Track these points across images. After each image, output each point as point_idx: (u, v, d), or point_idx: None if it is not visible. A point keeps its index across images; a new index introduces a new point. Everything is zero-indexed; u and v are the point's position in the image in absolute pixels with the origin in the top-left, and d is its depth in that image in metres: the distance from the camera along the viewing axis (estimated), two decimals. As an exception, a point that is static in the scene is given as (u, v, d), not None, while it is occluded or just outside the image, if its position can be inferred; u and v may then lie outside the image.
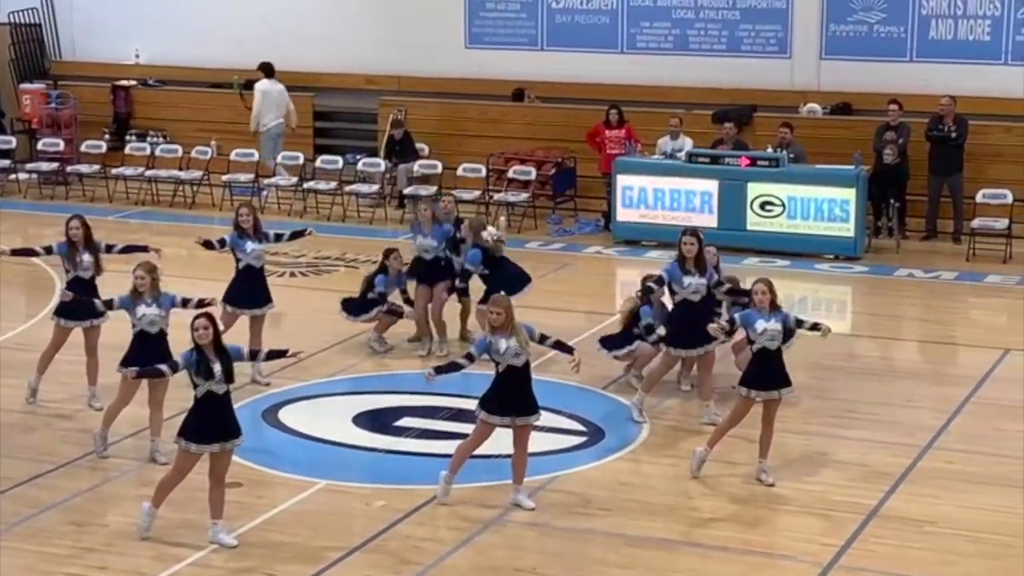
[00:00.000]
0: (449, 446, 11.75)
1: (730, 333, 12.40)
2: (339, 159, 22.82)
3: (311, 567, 10.28)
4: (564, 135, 22.19)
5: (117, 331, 12.71)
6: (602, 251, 20.08)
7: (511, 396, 11.05)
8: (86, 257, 13.31)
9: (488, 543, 10.74)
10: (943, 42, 21.52)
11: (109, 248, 13.64)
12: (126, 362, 12.00)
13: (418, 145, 22.65)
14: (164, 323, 12.09)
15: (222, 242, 14.17)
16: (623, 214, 20.32)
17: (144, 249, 13.89)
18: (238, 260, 14.15)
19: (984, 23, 21.32)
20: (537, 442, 11.55)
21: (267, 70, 23.12)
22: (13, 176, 23.99)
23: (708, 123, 21.37)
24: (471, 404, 11.45)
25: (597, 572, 10.34)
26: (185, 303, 12.19)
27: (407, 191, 21.98)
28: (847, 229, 19.32)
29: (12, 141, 24.40)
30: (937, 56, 21.49)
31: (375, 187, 22.36)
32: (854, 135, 20.66)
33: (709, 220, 19.30)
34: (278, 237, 14.58)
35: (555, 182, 21.86)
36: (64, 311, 13.36)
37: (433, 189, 21.80)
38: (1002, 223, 19.48)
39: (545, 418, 11.66)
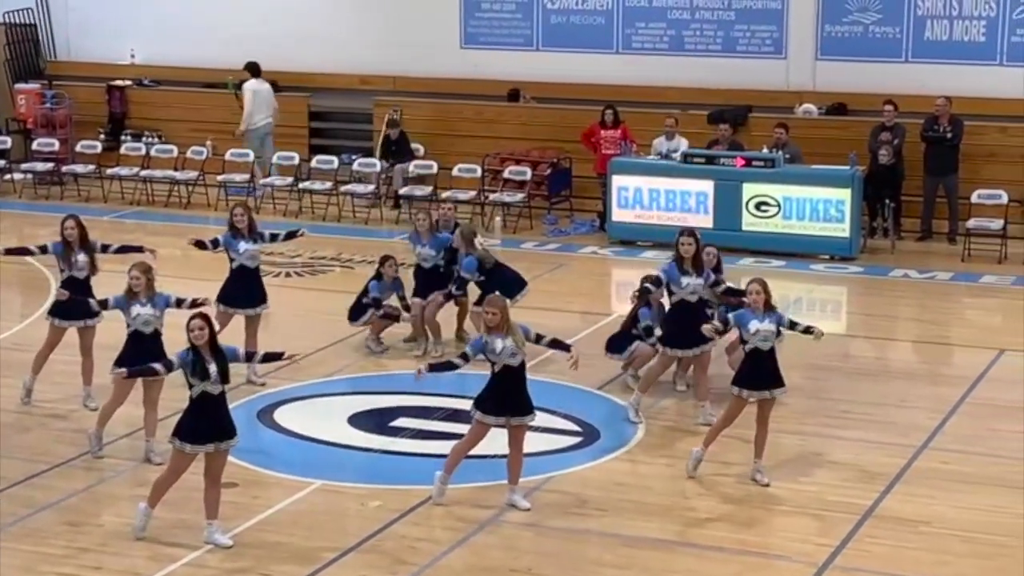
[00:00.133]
0: (445, 446, 11.75)
1: (723, 333, 12.41)
2: (334, 159, 22.81)
3: (306, 567, 10.28)
4: (560, 135, 22.19)
5: (112, 331, 12.71)
6: (598, 251, 20.08)
7: (506, 396, 11.05)
8: (81, 257, 13.30)
9: (484, 543, 10.74)
10: (938, 43, 21.54)
11: (105, 248, 13.64)
12: (120, 362, 11.98)
13: (413, 145, 22.65)
14: (159, 323, 12.09)
15: (215, 242, 14.17)
16: (619, 214, 20.32)
17: (139, 250, 13.88)
18: (232, 260, 14.15)
19: (979, 24, 21.34)
20: (533, 442, 11.55)
21: (254, 69, 23.16)
22: (8, 176, 23.95)
23: (704, 123, 21.37)
24: (467, 404, 11.44)
25: (593, 572, 10.34)
26: (179, 303, 12.19)
27: (402, 191, 21.98)
28: (842, 229, 19.33)
29: (7, 141, 24.38)
30: (932, 57, 21.51)
31: (371, 187, 22.35)
32: (849, 135, 20.66)
33: (704, 220, 19.30)
34: (273, 237, 14.57)
35: (551, 182, 21.86)
36: (58, 311, 13.35)
37: (428, 189, 21.81)
38: (997, 223, 19.50)
39: (541, 418, 11.68)
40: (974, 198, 19.85)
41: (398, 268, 15.31)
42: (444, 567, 10.36)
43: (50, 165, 23.99)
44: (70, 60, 26.25)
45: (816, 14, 22.00)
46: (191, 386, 10.46)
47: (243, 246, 14.03)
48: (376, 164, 22.46)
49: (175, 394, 11.39)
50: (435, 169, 22.09)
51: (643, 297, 13.56)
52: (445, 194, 21.36)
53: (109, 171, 23.43)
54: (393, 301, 15.27)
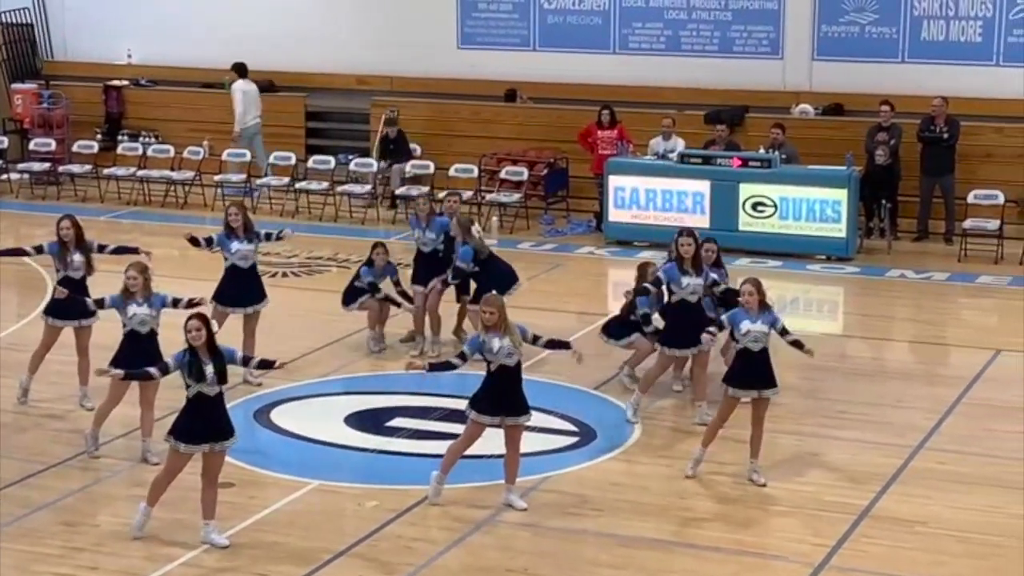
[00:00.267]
0: (441, 446, 11.75)
1: (721, 329, 12.39)
2: (331, 159, 22.81)
3: (303, 567, 10.28)
4: (556, 136, 22.20)
5: (108, 331, 12.70)
6: (594, 252, 20.08)
7: (502, 396, 11.06)
8: (76, 257, 13.29)
9: (480, 543, 10.74)
10: (935, 43, 21.55)
11: (101, 248, 13.64)
12: (116, 362, 11.98)
13: (411, 145, 22.64)
14: (155, 323, 12.09)
15: (209, 240, 14.19)
16: (615, 215, 20.33)
17: (135, 251, 13.87)
18: (225, 259, 14.18)
19: (976, 24, 21.35)
20: (529, 442, 11.55)
21: (241, 70, 23.24)
22: (5, 176, 23.92)
23: (700, 124, 21.37)
24: (463, 404, 11.43)
25: (589, 572, 10.34)
26: (176, 303, 12.19)
27: (399, 191, 21.97)
28: (839, 230, 19.34)
29: (4, 141, 24.35)
30: (929, 57, 21.52)
31: (367, 187, 22.35)
32: (846, 136, 20.68)
33: (701, 221, 19.30)
34: (268, 236, 14.57)
35: (547, 183, 21.86)
36: (54, 310, 13.35)
37: (425, 190, 21.77)
38: (993, 224, 19.50)
39: (537, 418, 11.68)
40: (970, 198, 19.86)
41: (389, 254, 15.27)
42: (440, 567, 10.36)
43: (47, 165, 23.97)
44: (67, 60, 26.23)
45: (812, 14, 22.01)
46: (188, 386, 10.47)
47: (235, 246, 14.05)
48: (373, 164, 22.46)
49: (172, 394, 11.38)
50: (432, 169, 22.09)
51: (642, 292, 13.49)
52: (442, 195, 21.33)
53: (106, 171, 23.41)
54: (387, 286, 15.22)
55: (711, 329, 11.98)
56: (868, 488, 11.68)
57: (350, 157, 22.88)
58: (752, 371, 11.57)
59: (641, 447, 12.67)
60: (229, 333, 13.31)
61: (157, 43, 25.18)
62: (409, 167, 22.24)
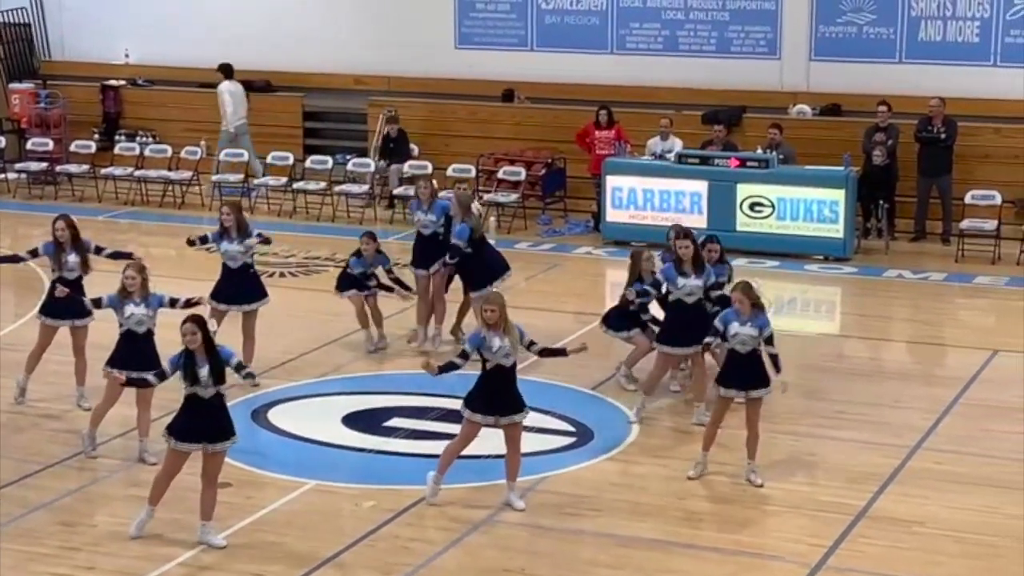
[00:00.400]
0: (438, 447, 11.75)
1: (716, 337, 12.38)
2: (328, 159, 22.81)
3: (300, 567, 10.28)
4: (554, 136, 22.20)
5: (105, 331, 12.69)
6: (592, 252, 20.08)
7: (496, 395, 11.06)
8: (71, 258, 13.27)
9: (477, 543, 10.74)
10: (932, 43, 21.55)
11: (99, 250, 13.62)
12: (112, 362, 12.01)
13: (410, 145, 22.65)
14: (151, 323, 12.09)
15: (203, 239, 14.24)
16: (613, 215, 20.33)
17: (130, 256, 13.85)
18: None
19: (973, 24, 21.35)
20: (526, 442, 11.54)
21: (227, 71, 23.28)
22: (2, 176, 23.93)
23: (698, 124, 21.38)
24: (460, 404, 11.42)
25: (587, 573, 10.35)
26: (173, 303, 12.20)
27: (397, 191, 21.97)
28: (836, 230, 19.35)
29: (1, 141, 24.32)
30: (926, 57, 21.52)
31: (365, 187, 22.35)
32: (843, 136, 20.68)
33: (699, 221, 19.30)
34: (258, 236, 14.55)
35: (545, 183, 21.86)
36: (49, 310, 13.35)
37: (428, 171, 21.73)
38: (991, 224, 19.51)
39: (534, 418, 11.68)
40: (968, 199, 19.87)
41: (377, 242, 15.23)
42: (437, 567, 10.36)
43: (44, 165, 23.96)
44: (64, 60, 26.21)
45: (810, 15, 22.01)
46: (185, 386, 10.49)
47: (224, 246, 14.09)
48: (370, 164, 22.45)
49: (169, 394, 11.38)
50: (429, 169, 22.04)
51: (641, 297, 13.44)
52: (443, 193, 21.32)
53: (103, 171, 23.41)
54: (380, 274, 15.19)
55: (707, 340, 11.99)
56: (865, 488, 11.68)
57: (348, 157, 22.88)
58: (741, 371, 11.61)
59: (639, 447, 12.67)
60: (229, 333, 13.29)
61: (155, 43, 25.17)
62: (407, 167, 22.24)
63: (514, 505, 11.22)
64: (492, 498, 11.37)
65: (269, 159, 22.96)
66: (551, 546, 10.72)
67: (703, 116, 21.51)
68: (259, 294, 14.32)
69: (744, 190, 19.63)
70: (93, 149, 24.02)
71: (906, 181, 20.22)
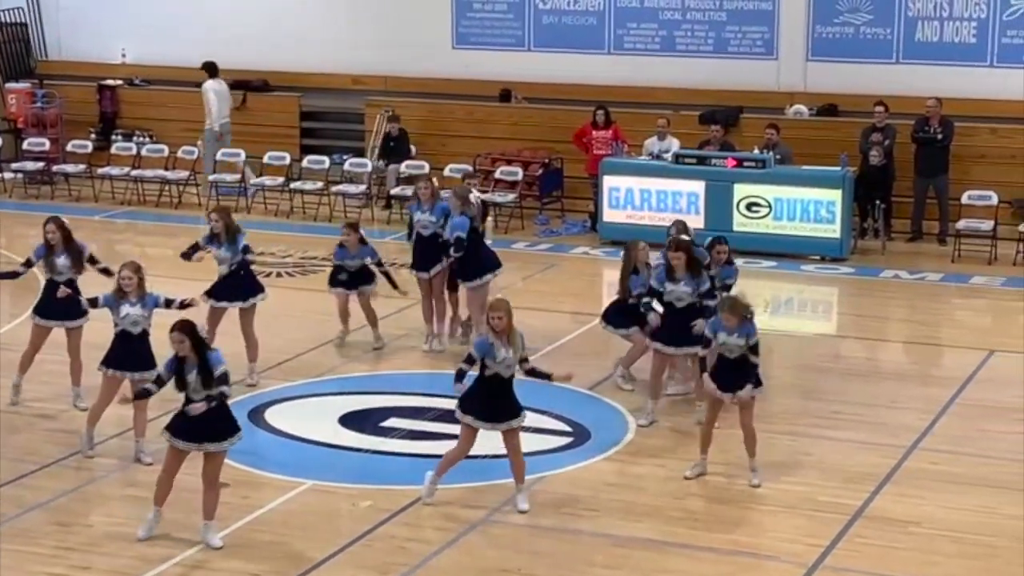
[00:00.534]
0: (436, 446, 11.75)
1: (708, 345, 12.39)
2: (326, 159, 22.81)
3: (297, 567, 10.27)
4: (551, 136, 22.20)
5: (101, 331, 12.68)
6: (589, 252, 20.09)
7: (491, 401, 11.03)
8: (61, 260, 13.19)
9: (474, 544, 10.74)
10: (929, 44, 21.56)
11: (93, 260, 13.50)
12: (107, 361, 12.00)
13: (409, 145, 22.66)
14: (147, 323, 12.08)
15: (195, 247, 14.32)
16: (610, 215, 20.33)
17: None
18: None
19: (970, 25, 21.36)
20: (524, 443, 11.52)
21: (211, 69, 23.27)
22: (-1, 175, 23.96)
23: (695, 124, 21.40)
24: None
25: (584, 573, 10.34)
26: (168, 304, 12.20)
27: (394, 191, 21.97)
28: (833, 230, 19.36)
29: (-2, 140, 24.39)
30: (923, 58, 21.53)
31: (362, 187, 22.35)
32: (840, 136, 20.69)
33: (696, 221, 19.24)
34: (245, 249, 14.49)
35: (542, 183, 21.87)
36: (41, 310, 13.33)
37: (427, 171, 21.72)
38: (987, 225, 19.53)
39: (531, 419, 11.67)
40: (964, 199, 19.89)
41: (359, 233, 15.17)
42: (435, 567, 10.36)
43: (40, 165, 23.97)
44: (61, 59, 26.20)
45: (807, 15, 22.02)
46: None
47: (213, 250, 14.12)
48: (367, 164, 22.45)
49: (167, 394, 11.34)
50: (426, 169, 22.03)
51: (646, 306, 13.41)
52: (444, 194, 21.32)
53: (100, 171, 23.40)
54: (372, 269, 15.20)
55: (698, 351, 12.07)
56: (862, 488, 11.68)
57: (345, 157, 22.88)
58: (729, 373, 11.63)
59: (636, 447, 12.66)
60: (229, 332, 13.30)
61: (151, 43, 25.16)
62: (404, 167, 22.24)
63: (518, 506, 11.21)
64: (489, 498, 11.37)
65: (266, 159, 22.95)
66: (548, 546, 10.72)
67: (700, 116, 21.52)
68: (255, 290, 14.32)
69: (741, 190, 19.63)
70: (90, 149, 24.01)
71: (903, 181, 20.24)
